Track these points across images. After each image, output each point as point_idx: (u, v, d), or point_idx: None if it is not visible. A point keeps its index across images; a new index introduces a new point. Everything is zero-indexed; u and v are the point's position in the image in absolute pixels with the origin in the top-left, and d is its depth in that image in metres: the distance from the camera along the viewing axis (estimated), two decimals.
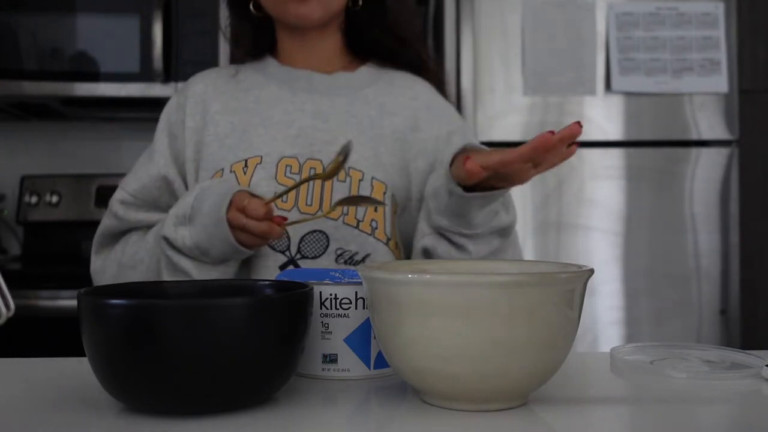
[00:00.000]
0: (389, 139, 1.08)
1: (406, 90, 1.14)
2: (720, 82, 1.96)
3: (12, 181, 2.39)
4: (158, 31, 2.03)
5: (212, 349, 0.56)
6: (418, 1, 2.14)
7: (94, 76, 2.07)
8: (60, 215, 2.31)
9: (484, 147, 1.00)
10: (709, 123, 1.97)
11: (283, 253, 1.00)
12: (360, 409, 0.63)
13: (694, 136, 1.97)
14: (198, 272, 0.97)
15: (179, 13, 2.06)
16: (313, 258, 1.00)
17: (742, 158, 1.99)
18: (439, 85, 1.20)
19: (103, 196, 2.28)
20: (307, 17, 1.07)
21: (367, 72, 1.15)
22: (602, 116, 1.95)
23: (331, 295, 0.71)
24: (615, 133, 1.96)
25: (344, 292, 0.71)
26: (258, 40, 1.18)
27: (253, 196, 0.93)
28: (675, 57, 1.96)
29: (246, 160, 1.03)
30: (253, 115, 1.09)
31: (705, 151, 1.97)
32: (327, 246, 1.00)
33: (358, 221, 1.02)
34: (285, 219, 0.91)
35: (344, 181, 1.02)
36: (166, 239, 0.98)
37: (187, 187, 1.08)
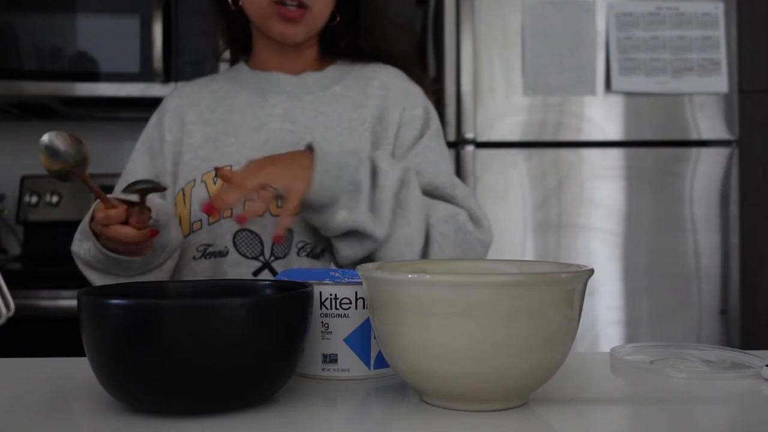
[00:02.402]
0: (358, 131, 1.09)
1: (372, 80, 1.15)
2: (720, 82, 1.96)
3: (12, 181, 2.39)
4: (158, 31, 2.03)
5: (212, 349, 0.56)
6: (418, 1, 2.14)
7: (94, 76, 2.07)
8: (60, 215, 2.31)
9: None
10: (709, 123, 1.97)
11: (256, 258, 1.02)
12: (360, 409, 0.63)
13: (694, 136, 1.97)
14: (104, 282, 1.00)
15: (179, 13, 2.06)
16: (283, 257, 1.02)
17: (742, 158, 1.99)
18: (412, 71, 1.20)
19: None
20: (291, 38, 1.09)
21: (336, 69, 1.16)
22: (602, 116, 1.95)
23: (331, 295, 0.71)
24: (615, 133, 1.96)
25: (344, 292, 0.71)
26: (235, 36, 1.20)
27: (123, 202, 0.91)
28: (675, 57, 1.96)
29: (216, 170, 1.03)
30: (225, 124, 1.11)
31: (705, 151, 1.97)
32: (291, 242, 1.02)
33: None
34: (136, 220, 0.89)
35: None
36: (75, 254, 1.01)
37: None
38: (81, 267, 1.02)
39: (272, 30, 1.08)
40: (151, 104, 2.04)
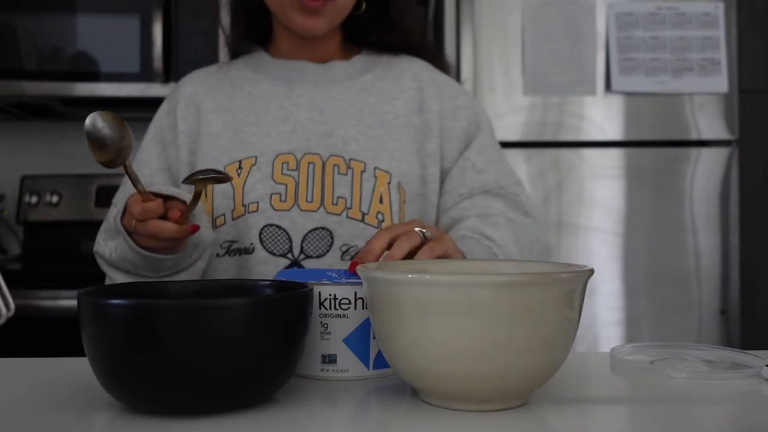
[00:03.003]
0: (392, 125, 1.05)
1: (404, 72, 1.11)
2: (720, 82, 1.96)
3: (12, 181, 2.39)
4: (158, 31, 2.03)
5: (212, 349, 0.56)
6: (418, 1, 2.14)
7: (94, 76, 2.07)
8: (60, 215, 2.31)
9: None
10: (709, 123, 1.97)
11: (284, 256, 0.97)
12: (360, 409, 0.63)
13: (694, 136, 1.97)
14: None
15: (179, 13, 2.06)
16: (317, 257, 0.97)
17: (742, 158, 1.99)
18: (439, 63, 1.16)
19: (103, 196, 2.28)
20: (312, 31, 1.03)
21: (363, 59, 1.12)
22: (602, 116, 1.95)
23: (330, 295, 0.71)
24: (615, 133, 1.96)
25: (343, 292, 0.71)
26: (252, 28, 1.14)
27: (158, 195, 0.85)
28: (675, 57, 1.96)
29: (240, 161, 1.01)
30: (246, 112, 1.05)
31: (705, 151, 1.97)
32: (331, 243, 0.98)
33: (363, 214, 0.98)
34: (181, 214, 0.83)
35: (346, 174, 0.99)
36: (99, 254, 0.97)
37: None
38: (105, 268, 0.98)
39: (292, 22, 1.02)
40: (151, 104, 2.04)
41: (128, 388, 0.58)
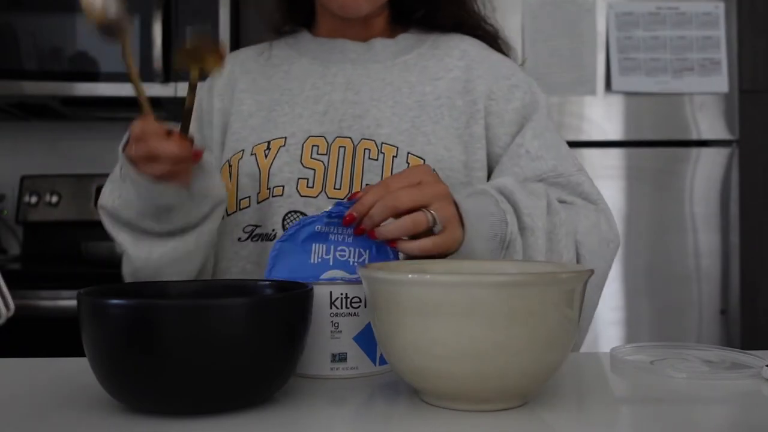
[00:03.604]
0: (432, 106, 0.97)
1: (451, 50, 1.03)
2: (720, 82, 1.96)
3: (12, 181, 2.39)
4: (158, 31, 2.03)
5: (212, 349, 0.56)
6: None
7: (94, 76, 2.07)
8: (60, 215, 2.31)
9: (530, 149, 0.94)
10: (709, 123, 1.97)
11: None
12: (360, 409, 0.63)
13: (694, 136, 1.97)
14: (135, 247, 0.87)
15: (179, 13, 2.06)
16: None
17: (742, 158, 1.99)
18: (495, 41, 1.08)
19: None
20: (354, 11, 0.97)
21: (408, 37, 1.04)
22: (602, 116, 1.95)
23: (341, 294, 0.70)
24: (615, 133, 1.96)
25: (355, 291, 0.70)
26: (294, 10, 1.09)
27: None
28: (675, 57, 1.96)
29: (269, 142, 0.96)
30: (280, 92, 1.01)
31: (705, 151, 1.97)
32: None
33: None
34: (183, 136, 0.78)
35: (376, 159, 0.93)
36: (102, 207, 0.90)
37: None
38: (109, 225, 0.90)
39: (333, 4, 0.96)
40: (151, 104, 2.05)
41: (128, 388, 0.57)
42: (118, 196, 0.86)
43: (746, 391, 0.67)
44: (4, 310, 0.56)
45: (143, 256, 0.88)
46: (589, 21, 1.95)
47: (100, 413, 0.59)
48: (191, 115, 0.79)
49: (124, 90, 2.06)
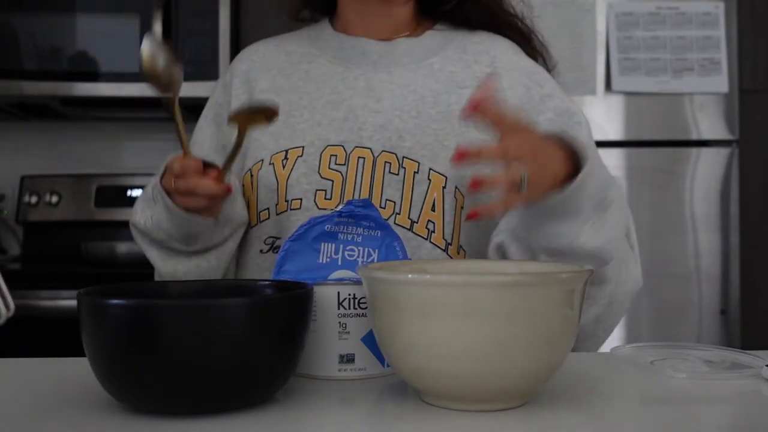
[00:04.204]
0: (457, 117, 0.91)
1: (481, 56, 0.98)
2: (720, 82, 1.96)
3: (12, 181, 2.38)
4: (158, 31, 2.03)
5: (212, 349, 0.56)
6: None
7: (94, 76, 2.07)
8: (60, 215, 2.31)
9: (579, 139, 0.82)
10: (710, 123, 1.97)
11: None
12: (359, 410, 0.63)
13: (694, 136, 1.97)
14: (164, 264, 0.91)
15: (179, 13, 2.06)
16: None
17: (742, 158, 1.99)
18: (527, 44, 1.04)
19: (103, 196, 2.28)
20: None
21: (434, 36, 0.99)
22: (602, 116, 1.95)
23: (349, 294, 0.70)
24: (615, 133, 1.96)
25: (363, 291, 0.70)
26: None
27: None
28: (675, 57, 1.96)
29: (287, 151, 0.93)
30: (300, 94, 0.98)
31: (705, 151, 1.97)
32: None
33: (412, 222, 0.89)
34: (219, 173, 0.81)
35: (397, 174, 0.90)
36: (134, 225, 0.92)
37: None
38: (139, 241, 0.93)
39: None
40: (151, 104, 2.05)
41: (128, 388, 0.57)
42: (150, 217, 0.90)
43: (746, 391, 0.67)
44: (4, 310, 0.56)
45: (170, 271, 0.92)
46: (589, 21, 1.95)
47: (100, 413, 0.59)
48: (235, 158, 0.81)
49: (123, 90, 2.06)
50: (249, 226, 0.96)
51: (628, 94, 1.95)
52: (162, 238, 0.90)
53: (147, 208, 0.91)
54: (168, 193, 0.84)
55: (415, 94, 0.95)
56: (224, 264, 0.95)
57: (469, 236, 0.91)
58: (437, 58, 0.98)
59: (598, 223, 0.77)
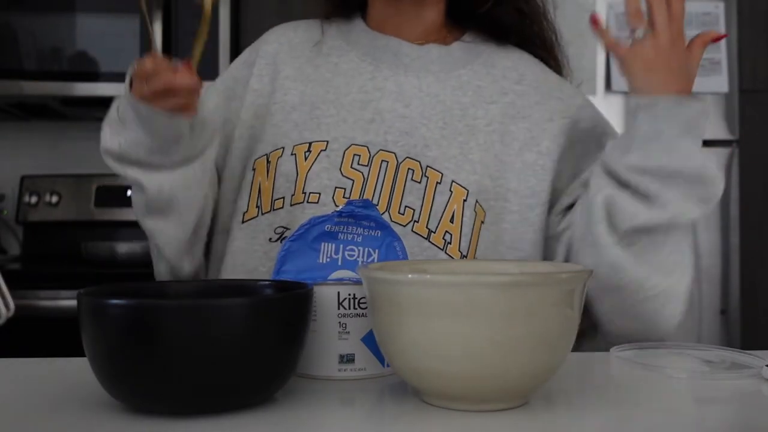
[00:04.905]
0: (483, 132, 0.93)
1: (509, 72, 0.98)
2: (720, 82, 1.96)
3: (12, 181, 2.39)
4: (158, 31, 2.03)
5: (212, 349, 0.56)
6: None
7: (94, 76, 2.07)
8: (60, 215, 2.31)
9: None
10: (710, 123, 1.97)
11: None
12: (358, 410, 0.63)
13: None
14: (148, 181, 0.87)
15: (179, 13, 2.06)
16: None
17: (742, 158, 1.99)
18: (555, 62, 1.05)
19: (103, 196, 2.28)
20: None
21: (463, 48, 0.99)
22: None
23: (349, 294, 0.70)
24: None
25: (363, 291, 0.70)
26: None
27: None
28: None
29: (310, 144, 0.92)
30: (326, 88, 0.96)
31: (705, 151, 1.97)
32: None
33: (430, 231, 0.88)
34: (190, 64, 0.79)
35: (419, 182, 0.90)
36: (107, 150, 0.90)
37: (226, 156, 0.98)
38: (116, 167, 0.90)
39: None
40: None
41: (128, 388, 0.57)
42: (124, 139, 0.87)
43: (746, 391, 0.67)
44: (4, 310, 0.56)
45: (156, 187, 0.88)
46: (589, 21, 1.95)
47: (100, 413, 0.59)
48: (203, 45, 0.80)
49: (123, 90, 2.06)
50: (260, 213, 0.94)
51: (629, 94, 1.95)
52: (140, 156, 0.86)
53: (116, 133, 0.89)
54: (145, 99, 0.81)
55: (443, 105, 0.94)
56: (209, 174, 0.93)
57: (485, 250, 0.90)
58: (465, 71, 0.98)
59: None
